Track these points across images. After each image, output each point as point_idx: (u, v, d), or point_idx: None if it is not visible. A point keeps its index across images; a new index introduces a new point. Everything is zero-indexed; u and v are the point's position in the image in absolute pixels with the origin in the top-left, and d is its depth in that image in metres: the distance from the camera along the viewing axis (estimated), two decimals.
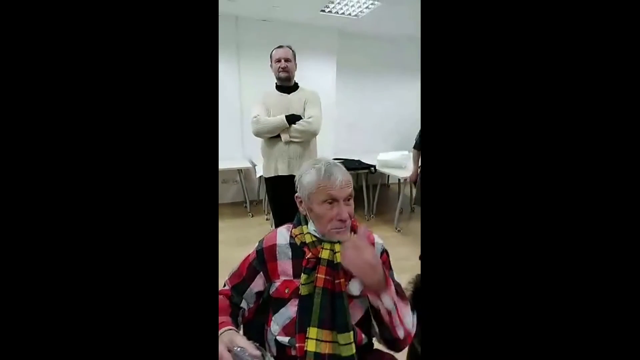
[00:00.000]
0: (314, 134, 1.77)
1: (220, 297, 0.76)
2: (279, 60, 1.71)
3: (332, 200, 0.71)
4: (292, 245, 0.76)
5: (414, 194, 2.12)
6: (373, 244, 0.81)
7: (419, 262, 0.57)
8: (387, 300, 0.65)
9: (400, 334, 0.68)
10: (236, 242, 2.54)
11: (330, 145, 3.69)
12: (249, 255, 0.79)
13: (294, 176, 1.75)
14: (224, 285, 0.80)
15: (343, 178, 0.72)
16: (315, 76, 3.42)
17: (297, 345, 0.69)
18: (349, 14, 3.04)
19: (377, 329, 0.71)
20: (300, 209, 0.78)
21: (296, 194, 0.77)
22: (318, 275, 0.71)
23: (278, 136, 1.72)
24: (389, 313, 0.66)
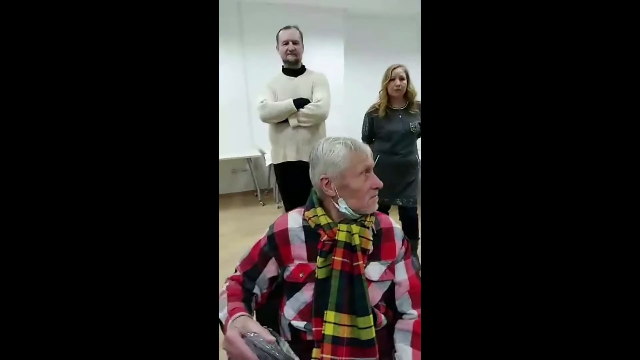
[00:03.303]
0: (322, 118, 1.72)
1: (232, 282, 0.75)
2: (286, 43, 1.65)
3: (366, 171, 0.72)
4: (306, 228, 0.74)
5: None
6: (391, 228, 0.78)
7: None
8: None
9: None
10: (248, 231, 2.55)
11: (340, 129, 3.63)
12: (259, 240, 0.77)
13: (303, 162, 1.74)
14: (235, 271, 0.78)
15: (367, 148, 0.73)
16: (323, 59, 3.34)
17: (313, 329, 0.67)
18: None
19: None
20: (328, 190, 0.72)
21: (322, 176, 0.72)
22: (335, 257, 0.68)
23: (286, 121, 1.68)
24: None
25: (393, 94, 1.69)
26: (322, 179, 0.72)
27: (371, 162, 0.73)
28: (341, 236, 0.69)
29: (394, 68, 1.66)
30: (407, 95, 1.72)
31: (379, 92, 1.75)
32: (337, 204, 0.71)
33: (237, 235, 2.47)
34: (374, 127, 1.79)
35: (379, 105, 1.74)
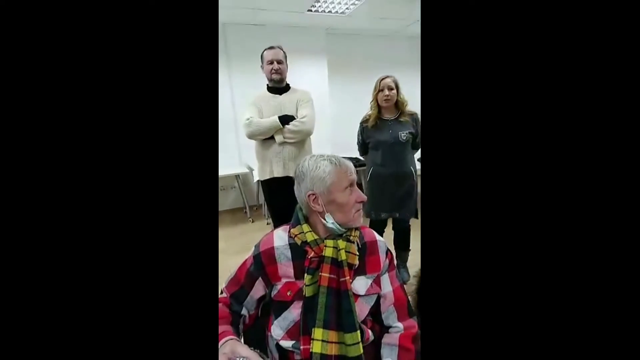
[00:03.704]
0: (307, 134, 1.75)
1: (219, 305, 0.74)
2: (270, 62, 1.69)
3: (351, 185, 0.74)
4: (292, 245, 0.74)
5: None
6: (375, 241, 0.79)
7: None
8: None
9: None
10: (238, 249, 2.52)
11: (326, 144, 3.67)
12: (245, 260, 0.77)
13: (290, 178, 1.75)
14: (221, 293, 0.77)
15: (350, 163, 0.76)
16: (307, 77, 3.40)
17: (301, 347, 0.67)
18: (336, 12, 3.03)
19: None
20: (315, 206, 0.73)
21: (309, 192, 0.72)
22: (322, 274, 0.69)
23: (272, 138, 1.70)
24: None
25: (383, 104, 1.71)
26: (309, 195, 0.72)
27: (354, 176, 0.75)
28: (328, 252, 0.70)
29: (382, 79, 1.69)
30: (398, 104, 1.72)
31: (370, 102, 1.77)
32: (324, 219, 0.72)
33: (227, 254, 2.43)
34: (364, 137, 1.80)
35: (370, 116, 1.76)
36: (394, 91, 1.68)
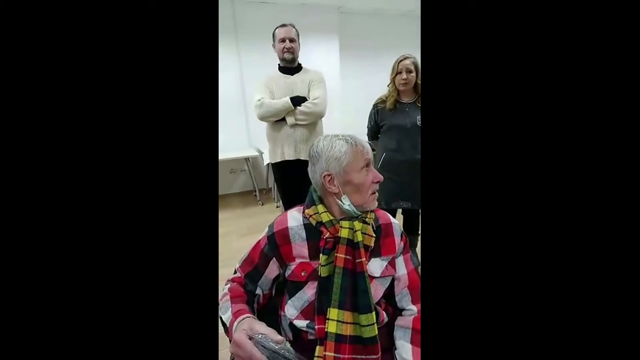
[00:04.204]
0: (320, 116, 1.71)
1: (234, 284, 0.74)
2: (282, 41, 1.64)
3: (367, 165, 0.72)
4: (307, 226, 0.73)
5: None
6: (390, 223, 0.78)
7: None
8: None
9: None
10: (247, 231, 2.54)
11: (337, 127, 3.62)
12: (259, 241, 0.76)
13: (301, 160, 1.73)
14: (235, 272, 0.78)
15: (365, 143, 0.74)
16: (318, 57, 3.32)
17: (316, 327, 0.67)
18: None
19: None
20: (331, 187, 0.71)
21: (325, 173, 0.71)
22: (338, 254, 0.68)
23: (283, 120, 1.67)
24: None
25: (400, 88, 1.56)
26: (324, 176, 0.71)
27: (371, 156, 0.73)
28: (344, 233, 0.69)
29: (401, 60, 1.54)
30: (417, 87, 1.58)
31: (388, 85, 1.64)
32: (341, 200, 0.71)
33: (237, 236, 2.46)
34: (379, 119, 1.68)
35: (387, 98, 1.63)
36: (413, 74, 1.54)
